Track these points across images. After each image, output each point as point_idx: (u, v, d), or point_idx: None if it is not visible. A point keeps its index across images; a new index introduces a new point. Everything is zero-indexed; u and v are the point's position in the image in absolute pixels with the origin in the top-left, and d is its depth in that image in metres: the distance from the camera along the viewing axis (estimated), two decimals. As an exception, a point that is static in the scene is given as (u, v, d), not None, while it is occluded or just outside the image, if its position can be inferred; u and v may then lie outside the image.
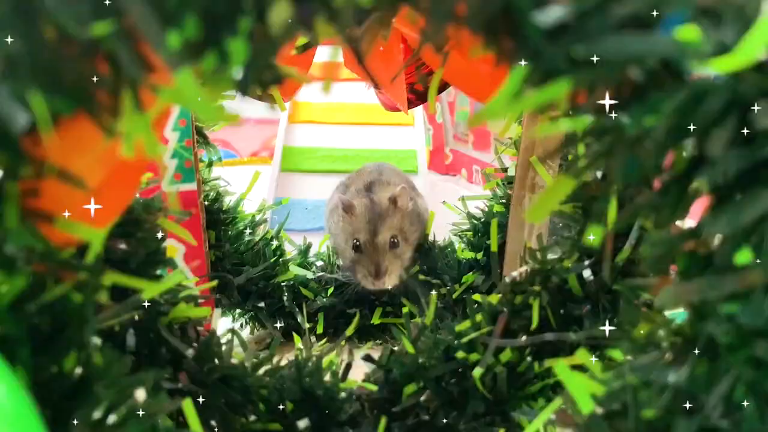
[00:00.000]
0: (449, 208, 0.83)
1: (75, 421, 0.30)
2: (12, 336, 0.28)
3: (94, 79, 0.24)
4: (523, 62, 0.23)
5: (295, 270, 0.78)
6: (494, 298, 0.54)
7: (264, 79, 0.25)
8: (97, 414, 0.31)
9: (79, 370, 0.32)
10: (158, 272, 0.49)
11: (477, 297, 0.60)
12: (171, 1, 0.23)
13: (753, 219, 0.25)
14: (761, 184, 0.25)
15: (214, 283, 0.67)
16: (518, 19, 0.22)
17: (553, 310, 0.52)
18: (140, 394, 0.34)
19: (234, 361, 0.55)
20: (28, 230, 0.28)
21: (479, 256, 0.77)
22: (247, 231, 0.77)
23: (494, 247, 0.59)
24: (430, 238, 0.85)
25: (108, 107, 0.24)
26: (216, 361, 0.51)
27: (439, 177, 1.68)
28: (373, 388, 0.55)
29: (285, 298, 0.77)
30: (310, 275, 0.80)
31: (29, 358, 0.29)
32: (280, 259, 0.79)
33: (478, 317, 0.55)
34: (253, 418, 0.51)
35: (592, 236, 0.26)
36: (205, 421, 0.48)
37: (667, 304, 0.27)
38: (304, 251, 0.84)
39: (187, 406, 0.40)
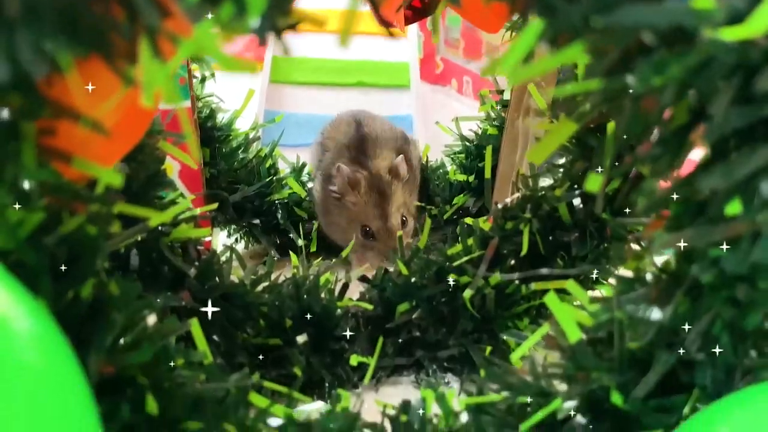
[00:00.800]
0: (442, 129, 0.83)
1: (93, 345, 0.32)
2: (33, 267, 0.30)
3: (110, 24, 0.24)
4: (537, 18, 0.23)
5: (293, 185, 0.79)
6: (486, 225, 0.55)
7: (280, 26, 0.25)
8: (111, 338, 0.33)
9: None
10: (159, 194, 0.50)
11: (468, 220, 0.62)
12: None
13: (745, 174, 0.26)
14: (756, 141, 0.26)
15: (214, 205, 0.68)
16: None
17: (543, 237, 0.54)
18: (151, 318, 0.36)
19: (233, 278, 0.57)
20: (43, 167, 0.28)
21: (471, 178, 0.78)
22: (241, 149, 0.77)
23: (488, 174, 0.60)
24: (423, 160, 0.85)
25: (125, 54, 0.24)
26: (217, 279, 0.53)
27: (430, 88, 1.66)
28: (369, 306, 0.58)
29: (279, 216, 0.78)
30: (304, 194, 0.81)
31: (49, 287, 0.31)
32: (275, 178, 0.80)
33: (470, 241, 0.57)
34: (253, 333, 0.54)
35: (590, 185, 0.28)
36: (208, 337, 0.51)
37: (658, 248, 0.29)
38: (299, 170, 0.84)
39: (194, 325, 0.42)
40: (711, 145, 0.27)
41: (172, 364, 0.36)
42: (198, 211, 0.50)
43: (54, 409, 0.23)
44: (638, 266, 0.36)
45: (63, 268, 0.32)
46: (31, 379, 0.23)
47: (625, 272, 0.37)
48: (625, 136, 0.28)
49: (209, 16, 0.22)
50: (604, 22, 0.21)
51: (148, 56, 0.24)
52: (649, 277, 0.34)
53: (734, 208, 0.27)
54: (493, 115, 0.77)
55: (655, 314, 0.32)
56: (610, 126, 0.42)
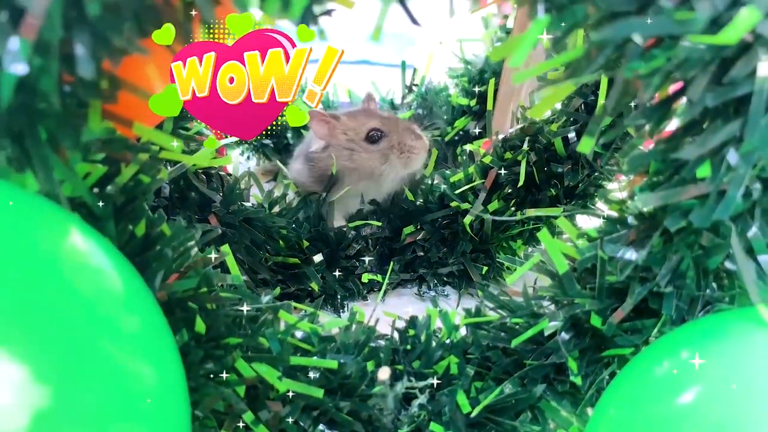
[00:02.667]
0: (446, 49, 0.85)
1: (150, 276, 0.37)
2: (100, 214, 0.34)
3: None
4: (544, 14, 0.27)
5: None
6: (487, 159, 0.60)
7: (317, 15, 0.29)
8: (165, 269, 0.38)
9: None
10: (186, 125, 0.54)
11: (470, 146, 0.66)
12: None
13: (716, 144, 0.31)
14: (724, 118, 0.30)
15: (235, 138, 0.71)
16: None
17: (538, 168, 0.58)
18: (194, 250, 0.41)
19: (253, 201, 0.61)
20: (105, 128, 0.32)
21: (472, 103, 0.81)
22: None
23: (489, 106, 0.63)
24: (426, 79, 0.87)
25: (183, 41, 0.28)
26: (240, 204, 0.58)
27: None
28: (377, 223, 0.63)
29: (289, 135, 0.82)
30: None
31: (113, 228, 0.35)
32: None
33: (470, 169, 0.61)
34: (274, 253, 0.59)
35: (582, 147, 0.32)
36: (234, 256, 0.56)
37: (639, 203, 0.34)
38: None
39: (226, 250, 0.47)
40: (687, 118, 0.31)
41: (213, 288, 0.41)
42: (220, 143, 0.54)
43: (137, 328, 0.28)
44: (621, 209, 0.41)
45: (120, 211, 0.37)
46: (113, 303, 0.27)
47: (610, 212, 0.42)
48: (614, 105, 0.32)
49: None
50: (599, 36, 0.24)
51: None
52: (630, 219, 0.39)
53: (704, 171, 0.32)
54: (496, 40, 0.79)
55: (633, 255, 0.37)
56: (603, 82, 0.46)
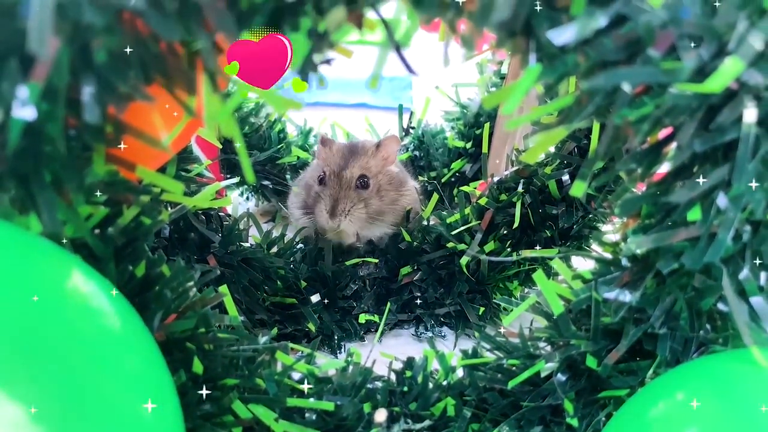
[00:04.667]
0: (442, 93, 0.87)
1: (148, 317, 0.37)
2: (101, 255, 0.35)
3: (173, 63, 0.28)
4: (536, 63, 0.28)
5: (297, 152, 0.83)
6: (483, 200, 0.60)
7: (316, 65, 0.30)
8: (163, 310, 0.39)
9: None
10: (189, 168, 0.54)
11: (465, 188, 0.67)
12: (243, 3, 0.27)
13: (705, 190, 0.31)
14: (713, 162, 0.31)
15: (236, 180, 0.72)
16: (536, 34, 0.27)
17: (533, 209, 0.59)
18: (192, 291, 0.42)
19: (251, 241, 0.62)
20: (108, 171, 0.33)
21: (468, 145, 0.82)
22: (251, 115, 0.81)
23: (485, 149, 0.64)
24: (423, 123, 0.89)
25: (186, 89, 0.29)
26: (239, 245, 0.58)
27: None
28: (374, 260, 0.63)
29: (288, 177, 0.83)
30: (310, 158, 0.85)
31: (114, 269, 0.36)
32: (284, 142, 0.84)
33: (467, 211, 0.62)
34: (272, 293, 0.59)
35: (575, 191, 0.32)
36: (232, 296, 0.56)
37: (632, 246, 0.34)
38: (306, 134, 0.88)
39: (224, 290, 0.48)
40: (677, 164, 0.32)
41: (210, 328, 0.41)
42: (221, 185, 0.55)
43: (135, 369, 0.28)
44: (614, 250, 0.41)
45: (121, 252, 0.37)
46: (113, 344, 0.27)
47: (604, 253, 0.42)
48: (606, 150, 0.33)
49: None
50: (589, 84, 0.25)
51: (209, 91, 0.28)
52: (624, 262, 0.39)
53: (695, 214, 0.33)
54: (490, 85, 0.81)
55: (627, 297, 0.37)
56: (596, 128, 0.47)
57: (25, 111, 0.26)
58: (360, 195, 0.65)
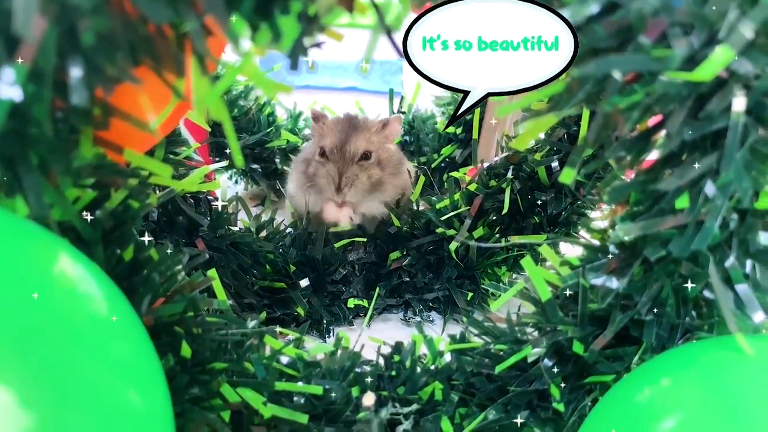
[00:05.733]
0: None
1: (137, 301, 0.37)
2: (88, 238, 0.35)
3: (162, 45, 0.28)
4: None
5: (286, 136, 0.82)
6: (472, 186, 0.60)
7: (306, 49, 0.29)
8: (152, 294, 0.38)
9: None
10: (177, 151, 0.54)
11: (456, 174, 0.67)
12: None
13: (693, 178, 0.32)
14: (702, 151, 0.31)
15: (225, 163, 0.72)
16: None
17: (522, 196, 0.59)
18: (181, 275, 0.42)
19: (240, 225, 0.62)
20: (96, 154, 0.33)
21: (458, 131, 0.82)
22: (241, 98, 0.80)
23: (475, 135, 0.64)
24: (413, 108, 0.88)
25: (175, 71, 0.28)
26: (227, 228, 0.58)
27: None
28: (362, 239, 0.63)
29: (278, 161, 0.83)
30: (300, 142, 0.85)
31: (102, 253, 0.36)
32: (273, 126, 0.83)
33: (456, 196, 0.62)
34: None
35: (564, 178, 0.33)
36: (221, 280, 0.56)
37: (620, 233, 0.35)
38: (295, 118, 0.88)
39: (213, 274, 0.48)
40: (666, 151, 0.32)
41: (199, 312, 0.41)
42: (210, 168, 0.54)
43: (124, 353, 0.28)
44: (602, 237, 0.41)
45: (109, 235, 0.37)
46: (101, 328, 0.27)
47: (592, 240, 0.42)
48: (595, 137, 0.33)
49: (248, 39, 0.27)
50: (579, 71, 0.25)
51: (198, 74, 0.28)
52: (611, 248, 0.40)
53: (683, 202, 0.33)
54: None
55: (615, 284, 0.37)
56: (585, 115, 0.47)
57: (11, 92, 0.26)
58: (362, 166, 0.65)
